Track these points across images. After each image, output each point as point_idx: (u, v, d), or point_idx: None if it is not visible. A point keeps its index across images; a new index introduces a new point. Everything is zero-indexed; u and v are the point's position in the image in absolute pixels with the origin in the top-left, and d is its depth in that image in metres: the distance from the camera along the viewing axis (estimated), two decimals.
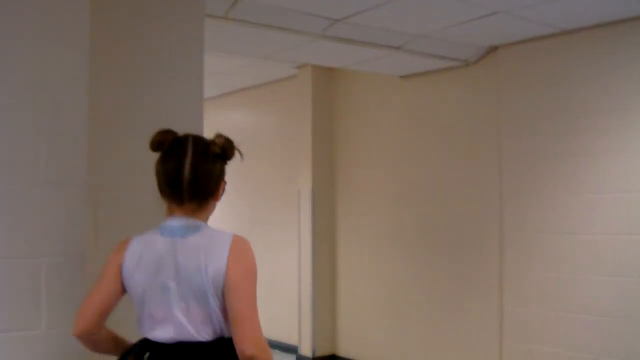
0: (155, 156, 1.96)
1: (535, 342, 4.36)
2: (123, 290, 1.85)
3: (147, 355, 1.83)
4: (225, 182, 1.95)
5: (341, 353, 5.92)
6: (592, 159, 4.09)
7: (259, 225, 6.59)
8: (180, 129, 2.75)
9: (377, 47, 4.43)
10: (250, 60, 5.46)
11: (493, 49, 4.68)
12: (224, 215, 6.97)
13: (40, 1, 2.18)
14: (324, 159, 5.96)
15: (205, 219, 1.89)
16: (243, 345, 1.69)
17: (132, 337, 1.94)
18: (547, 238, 4.32)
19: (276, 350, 5.98)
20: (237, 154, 1.98)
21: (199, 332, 1.75)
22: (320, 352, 5.88)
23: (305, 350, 5.90)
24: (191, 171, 1.83)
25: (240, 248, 1.79)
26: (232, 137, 1.98)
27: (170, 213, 1.88)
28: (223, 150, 1.93)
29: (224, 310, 1.75)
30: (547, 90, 4.35)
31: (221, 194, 1.94)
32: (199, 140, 1.92)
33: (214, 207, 1.93)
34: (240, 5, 3.60)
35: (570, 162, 4.21)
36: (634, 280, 3.86)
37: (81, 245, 2.23)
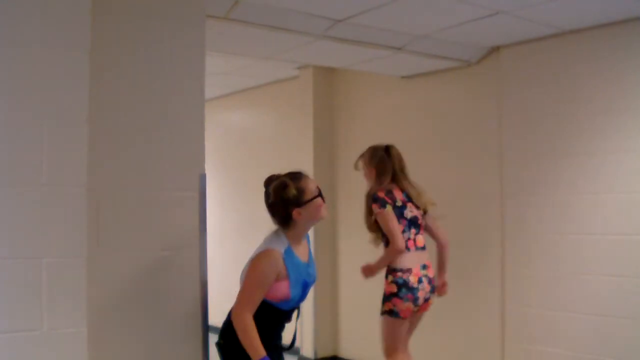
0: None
1: (537, 342, 4.35)
2: None
3: None
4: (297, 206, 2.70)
5: (343, 354, 5.92)
6: (593, 159, 4.09)
7: (260, 226, 6.58)
8: (182, 129, 2.76)
9: (379, 48, 4.43)
10: (252, 61, 5.46)
11: (495, 49, 4.68)
12: (226, 216, 6.98)
13: (42, 2, 2.18)
14: (325, 159, 5.96)
15: (290, 232, 2.74)
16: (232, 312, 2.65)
17: None
18: (548, 238, 4.32)
19: None
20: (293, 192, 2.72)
21: None
22: (322, 354, 5.88)
23: (307, 351, 5.89)
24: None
25: (258, 256, 2.66)
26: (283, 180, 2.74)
27: None
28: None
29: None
30: (548, 90, 4.35)
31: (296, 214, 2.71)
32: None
33: (300, 221, 2.73)
34: (242, 5, 3.61)
35: (570, 162, 4.20)
36: (635, 281, 3.85)
37: (82, 245, 2.23)
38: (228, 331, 2.69)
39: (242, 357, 2.63)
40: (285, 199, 2.69)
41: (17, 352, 2.08)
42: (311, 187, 2.75)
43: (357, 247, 5.80)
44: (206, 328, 2.81)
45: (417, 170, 5.33)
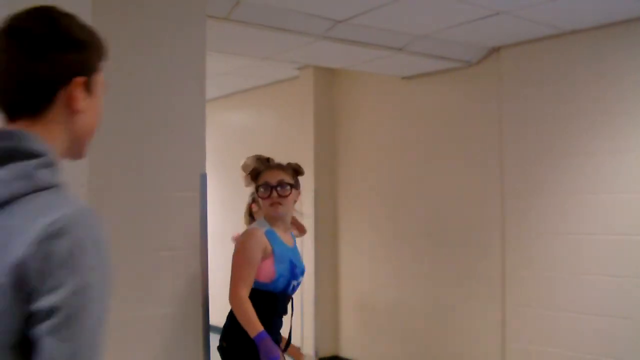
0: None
1: (537, 342, 4.35)
2: None
3: None
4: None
5: (344, 354, 5.92)
6: (593, 159, 4.09)
7: None
8: (182, 129, 2.76)
9: (379, 48, 4.44)
10: (252, 61, 5.46)
11: (495, 49, 4.68)
12: (226, 216, 6.98)
13: (41, 2, 2.18)
14: (325, 159, 5.96)
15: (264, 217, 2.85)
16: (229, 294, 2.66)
17: None
18: (548, 238, 4.32)
19: None
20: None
21: None
22: (323, 354, 5.88)
23: (308, 351, 5.89)
24: None
25: (241, 235, 2.82)
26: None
27: None
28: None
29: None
30: (548, 90, 4.35)
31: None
32: None
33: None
34: (242, 6, 3.61)
35: (570, 162, 4.20)
36: (634, 281, 3.85)
37: None
38: (229, 333, 2.69)
39: (245, 359, 2.62)
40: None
41: None
42: (261, 179, 2.86)
43: (357, 246, 5.81)
44: (207, 328, 2.81)
45: (416, 170, 5.35)
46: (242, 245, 2.73)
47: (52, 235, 0.94)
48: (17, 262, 0.93)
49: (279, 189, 2.79)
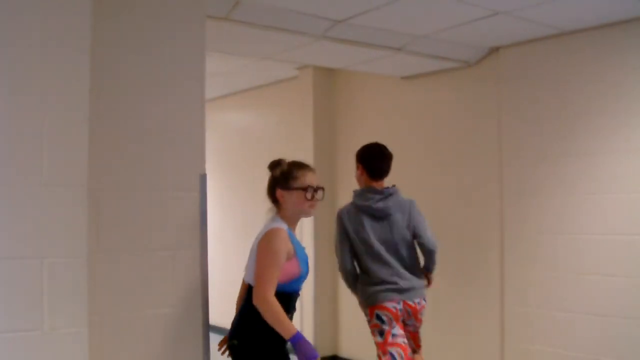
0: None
1: (536, 342, 4.36)
2: None
3: None
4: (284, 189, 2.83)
5: (343, 353, 5.92)
6: (592, 159, 4.10)
7: (260, 225, 6.57)
8: (182, 129, 2.76)
9: (378, 48, 4.44)
10: (252, 61, 5.46)
11: (494, 49, 4.68)
12: (226, 216, 6.98)
13: (42, 2, 2.18)
14: (325, 159, 5.96)
15: (281, 214, 2.82)
16: (253, 296, 2.63)
17: None
18: (547, 238, 4.32)
19: None
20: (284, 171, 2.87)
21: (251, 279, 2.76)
22: (322, 353, 5.87)
23: None
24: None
25: (267, 235, 2.70)
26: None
27: None
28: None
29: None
30: (547, 91, 4.35)
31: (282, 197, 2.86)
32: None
33: (284, 205, 2.82)
34: (242, 6, 3.61)
35: (570, 162, 4.21)
36: (634, 281, 3.86)
37: (83, 245, 2.24)
38: (241, 331, 2.68)
39: (257, 357, 2.63)
40: (274, 176, 2.82)
41: (17, 352, 2.08)
42: (304, 179, 2.81)
43: None
44: (206, 328, 2.81)
45: (416, 170, 5.35)
46: (268, 246, 2.67)
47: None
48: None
49: (319, 192, 2.86)
